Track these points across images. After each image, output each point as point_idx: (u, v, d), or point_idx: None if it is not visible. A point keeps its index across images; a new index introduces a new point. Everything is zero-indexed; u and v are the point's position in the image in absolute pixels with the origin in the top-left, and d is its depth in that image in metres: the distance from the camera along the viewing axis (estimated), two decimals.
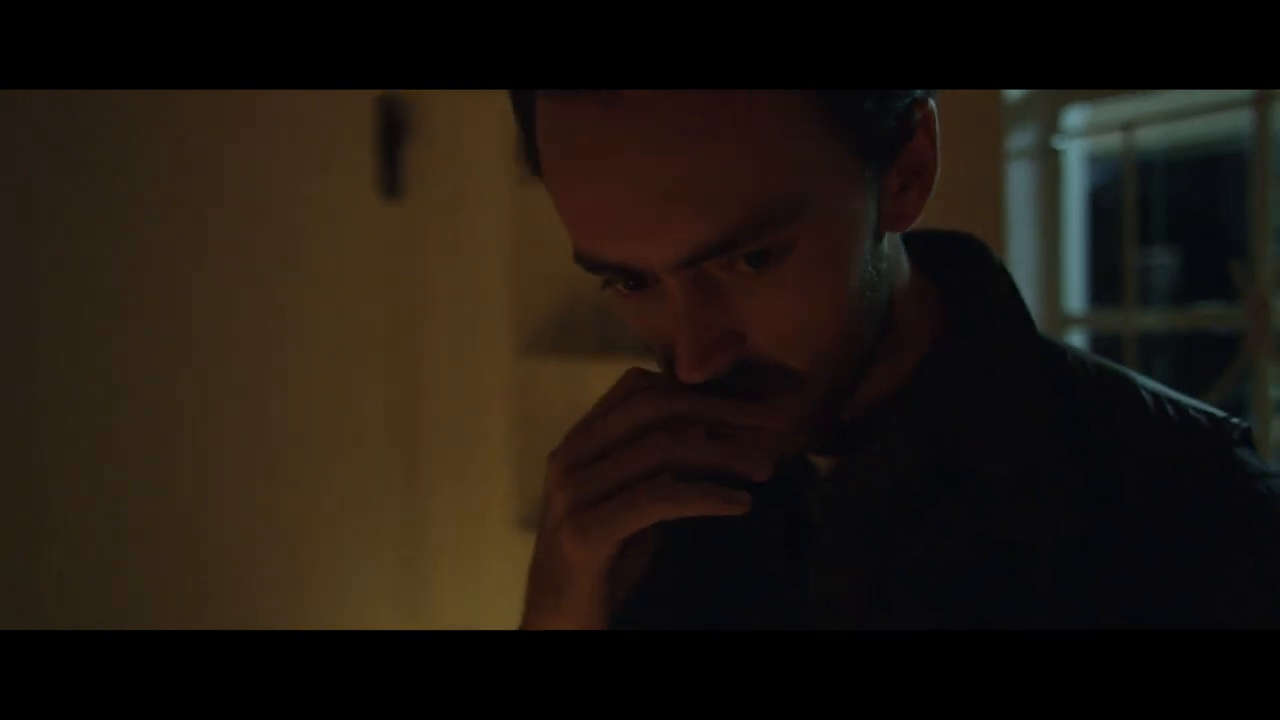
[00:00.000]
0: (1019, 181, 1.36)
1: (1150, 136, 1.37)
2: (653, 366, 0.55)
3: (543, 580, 0.54)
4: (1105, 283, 1.41)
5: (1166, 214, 1.49)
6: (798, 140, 0.47)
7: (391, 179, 2.15)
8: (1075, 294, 1.40)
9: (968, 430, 0.55)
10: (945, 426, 0.56)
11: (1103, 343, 1.44)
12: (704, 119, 0.45)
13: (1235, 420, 0.54)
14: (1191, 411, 0.55)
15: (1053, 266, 1.39)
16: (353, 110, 2.11)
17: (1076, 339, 1.42)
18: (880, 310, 0.54)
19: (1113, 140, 1.35)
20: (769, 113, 0.46)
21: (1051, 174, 1.38)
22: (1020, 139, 1.35)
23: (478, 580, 2.05)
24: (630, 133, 0.46)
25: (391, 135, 2.14)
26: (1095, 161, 1.45)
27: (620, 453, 0.50)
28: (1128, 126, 1.32)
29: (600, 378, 1.95)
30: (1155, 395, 0.56)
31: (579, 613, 0.53)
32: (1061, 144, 1.36)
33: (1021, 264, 1.36)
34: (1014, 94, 1.34)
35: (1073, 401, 0.56)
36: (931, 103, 0.52)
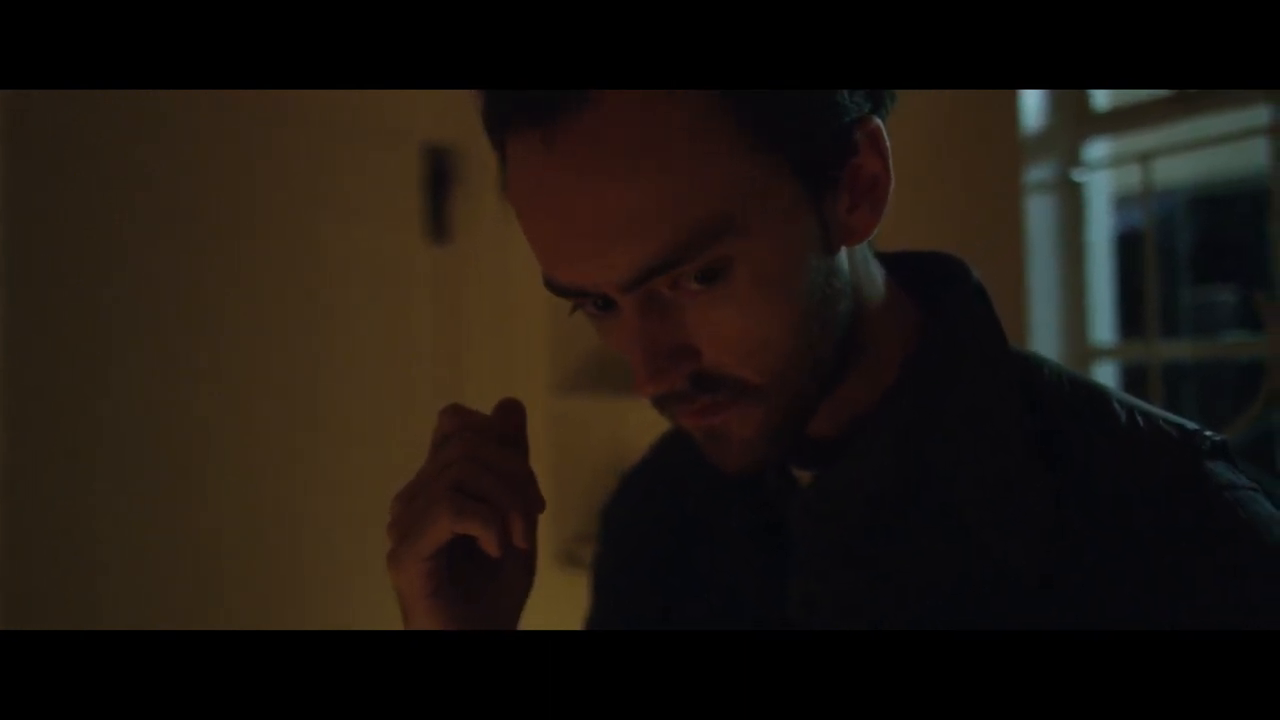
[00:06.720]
0: (1041, 215, 1.37)
1: (1211, 173, 1.37)
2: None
3: (404, 621, 0.58)
4: (1164, 317, 1.39)
5: (1225, 251, 1.47)
6: (722, 164, 0.49)
7: (438, 225, 2.23)
8: (1104, 326, 1.40)
9: (940, 443, 0.56)
10: (919, 440, 0.57)
11: (1133, 374, 1.43)
12: (626, 153, 0.48)
13: (1208, 433, 0.55)
14: (1161, 424, 0.55)
15: (1076, 299, 1.39)
16: (401, 161, 2.20)
17: (1106, 370, 1.41)
18: (841, 324, 0.55)
19: (1167, 177, 1.35)
20: (690, 141, 0.48)
21: (1073, 207, 1.38)
22: (1040, 172, 1.36)
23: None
24: (564, 173, 0.49)
25: (439, 184, 2.23)
26: (1153, 198, 1.45)
27: (426, 488, 0.54)
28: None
29: (636, 414, 1.95)
30: (1128, 408, 0.56)
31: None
32: (1082, 177, 1.37)
33: (1043, 296, 1.36)
34: (1033, 126, 1.35)
35: (1045, 415, 0.56)
36: (876, 120, 0.53)
